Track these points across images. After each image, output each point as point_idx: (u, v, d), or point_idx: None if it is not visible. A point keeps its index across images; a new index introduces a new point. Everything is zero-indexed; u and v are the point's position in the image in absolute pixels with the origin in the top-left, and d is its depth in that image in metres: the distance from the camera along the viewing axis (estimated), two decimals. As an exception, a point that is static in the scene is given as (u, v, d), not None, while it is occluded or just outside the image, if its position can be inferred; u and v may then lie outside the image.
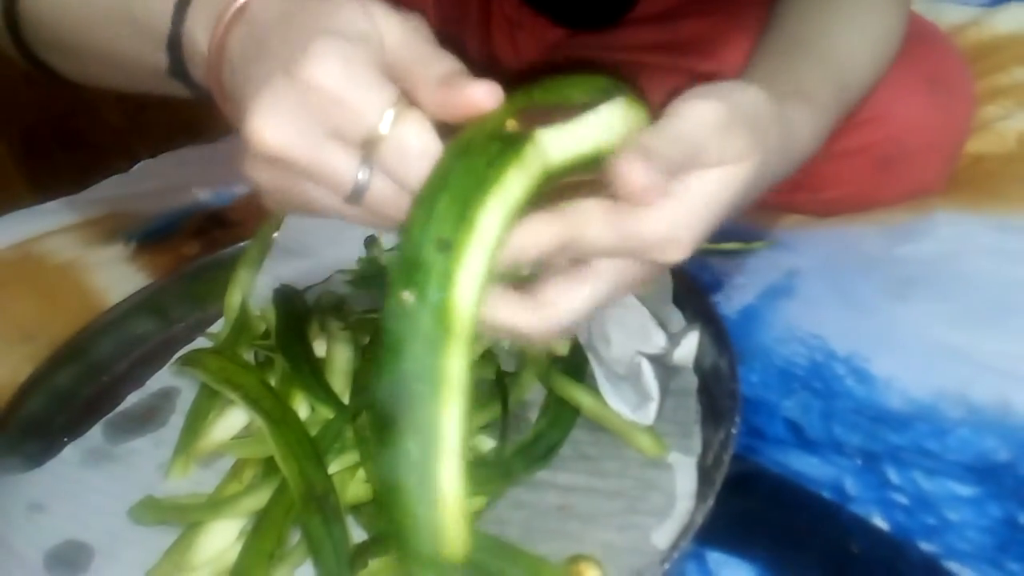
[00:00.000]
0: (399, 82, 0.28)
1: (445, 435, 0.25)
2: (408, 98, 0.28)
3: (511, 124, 0.28)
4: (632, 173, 0.27)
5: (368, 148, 0.28)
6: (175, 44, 0.34)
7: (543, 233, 0.29)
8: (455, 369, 0.25)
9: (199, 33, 0.32)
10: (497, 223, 0.26)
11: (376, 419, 0.26)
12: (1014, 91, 0.71)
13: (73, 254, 0.64)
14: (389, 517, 0.26)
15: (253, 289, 0.55)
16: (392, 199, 0.29)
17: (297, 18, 0.29)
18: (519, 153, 0.27)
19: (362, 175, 0.28)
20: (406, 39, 0.29)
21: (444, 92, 0.28)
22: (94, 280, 0.62)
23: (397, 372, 0.25)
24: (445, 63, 0.29)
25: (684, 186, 0.30)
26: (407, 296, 0.25)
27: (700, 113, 0.30)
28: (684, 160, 0.30)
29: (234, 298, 0.54)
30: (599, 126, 0.29)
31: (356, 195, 0.29)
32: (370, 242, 0.59)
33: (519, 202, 0.27)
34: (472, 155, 0.27)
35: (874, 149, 0.60)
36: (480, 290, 0.26)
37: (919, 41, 0.60)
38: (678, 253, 0.30)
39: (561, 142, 0.28)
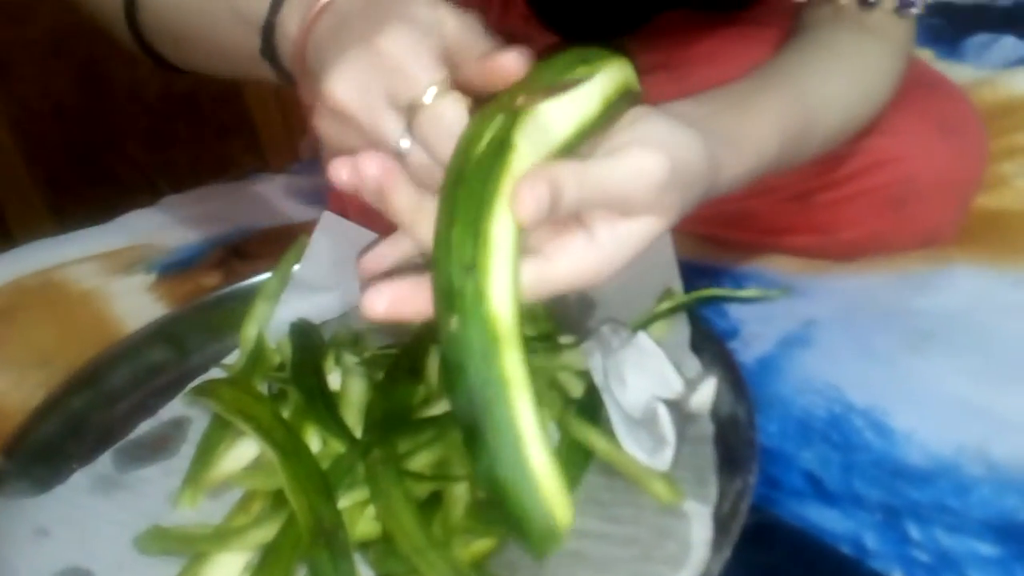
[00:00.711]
0: (452, 66, 0.33)
1: (523, 426, 0.28)
2: (457, 83, 0.33)
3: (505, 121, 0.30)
4: (521, 201, 0.29)
5: (411, 114, 0.32)
6: (269, 30, 0.39)
7: None
8: (513, 368, 0.28)
9: (290, 23, 0.38)
10: (507, 230, 0.29)
11: (463, 433, 0.29)
12: (1032, 150, 0.71)
13: (94, 283, 0.64)
14: (502, 512, 0.29)
15: (270, 322, 0.55)
16: (428, 166, 0.33)
17: (376, 9, 0.34)
18: (505, 164, 0.30)
19: (404, 144, 0.33)
20: (462, 29, 0.34)
21: (483, 62, 0.33)
22: (113, 309, 0.62)
23: (466, 388, 0.28)
24: (489, 44, 0.34)
25: (608, 234, 0.33)
26: (454, 322, 0.28)
27: (644, 166, 0.32)
28: (604, 201, 0.32)
29: (250, 330, 0.54)
30: (573, 112, 0.32)
31: (399, 157, 0.33)
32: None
33: None
34: (469, 180, 0.30)
35: (888, 190, 0.61)
36: (512, 291, 0.29)
37: (929, 90, 0.63)
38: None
39: (536, 144, 0.31)
